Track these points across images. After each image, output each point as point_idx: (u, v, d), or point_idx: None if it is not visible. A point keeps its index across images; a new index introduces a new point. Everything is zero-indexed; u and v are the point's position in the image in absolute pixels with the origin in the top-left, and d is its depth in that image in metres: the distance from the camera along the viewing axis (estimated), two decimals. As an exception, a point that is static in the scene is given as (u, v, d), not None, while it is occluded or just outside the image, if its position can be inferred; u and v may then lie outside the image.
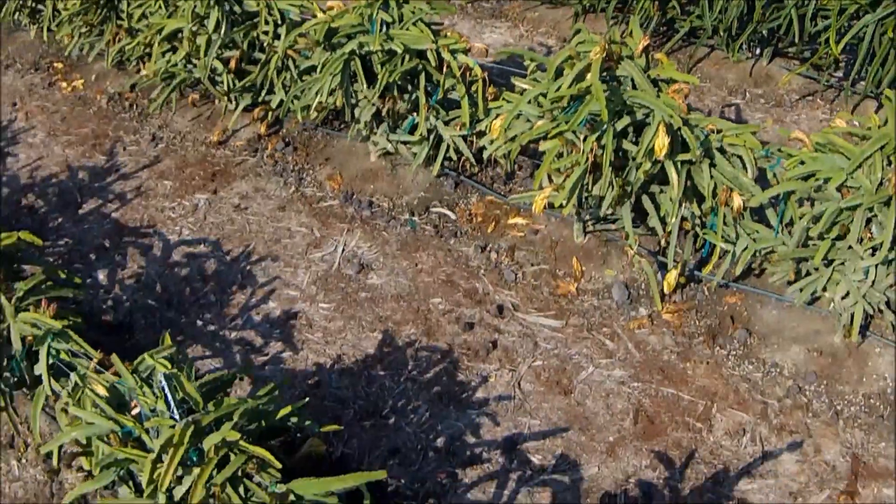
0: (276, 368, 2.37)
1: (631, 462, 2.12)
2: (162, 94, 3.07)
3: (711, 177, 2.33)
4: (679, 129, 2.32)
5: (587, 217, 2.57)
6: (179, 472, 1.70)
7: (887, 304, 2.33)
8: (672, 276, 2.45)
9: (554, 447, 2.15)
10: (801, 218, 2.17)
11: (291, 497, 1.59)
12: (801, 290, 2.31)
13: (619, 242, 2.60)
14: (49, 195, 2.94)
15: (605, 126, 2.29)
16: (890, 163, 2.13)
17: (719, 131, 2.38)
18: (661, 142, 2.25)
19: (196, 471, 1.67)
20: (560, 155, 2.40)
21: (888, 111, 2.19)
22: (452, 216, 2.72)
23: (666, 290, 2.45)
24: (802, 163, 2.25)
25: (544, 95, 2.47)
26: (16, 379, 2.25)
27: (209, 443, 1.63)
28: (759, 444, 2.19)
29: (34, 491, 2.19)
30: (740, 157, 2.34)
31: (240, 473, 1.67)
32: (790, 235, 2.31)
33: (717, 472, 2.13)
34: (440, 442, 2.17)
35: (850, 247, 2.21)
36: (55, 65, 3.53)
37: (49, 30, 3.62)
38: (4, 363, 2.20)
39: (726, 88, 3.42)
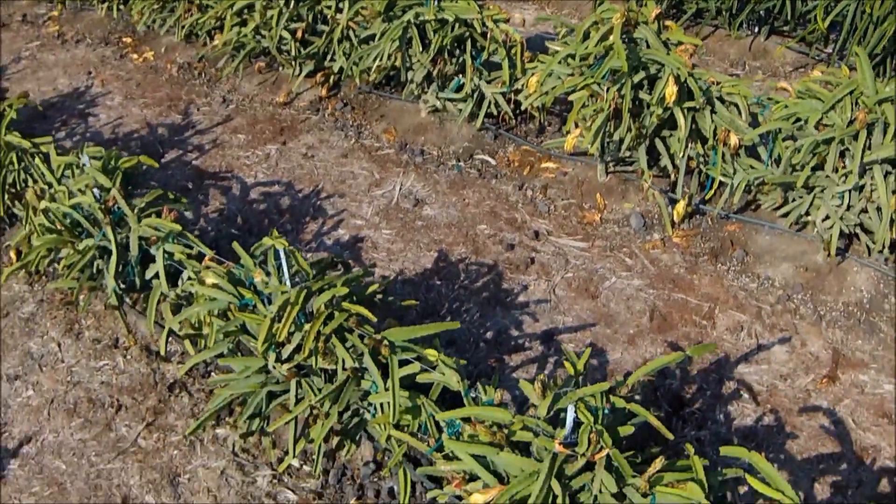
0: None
1: (648, 349, 2.62)
2: (233, 62, 3.57)
3: (712, 121, 2.85)
4: (685, 80, 2.84)
5: (609, 159, 3.08)
6: (291, 329, 2.18)
7: (861, 227, 2.84)
8: (681, 206, 2.96)
9: (584, 338, 2.65)
10: (786, 150, 2.69)
11: (385, 342, 2.06)
12: (787, 213, 2.82)
13: (635, 182, 3.11)
14: (132, 147, 3.43)
15: (625, 78, 2.81)
16: (857, 104, 2.65)
17: (719, 83, 2.91)
18: (671, 90, 2.77)
19: (307, 326, 2.14)
20: (586, 105, 2.93)
21: (857, 63, 2.70)
22: (493, 162, 3.24)
23: (675, 219, 2.96)
24: (787, 107, 2.77)
25: (573, 56, 2.99)
26: (126, 285, 2.72)
27: (318, 302, 2.11)
28: (754, 338, 2.69)
29: (139, 381, 2.66)
30: (736, 105, 2.87)
31: (343, 326, 2.14)
32: (777, 167, 2.82)
33: (719, 359, 2.62)
34: (489, 335, 2.66)
35: (827, 175, 2.72)
36: (124, 39, 4.04)
37: (118, 7, 4.13)
38: (121, 269, 2.69)
39: (728, 61, 3.95)
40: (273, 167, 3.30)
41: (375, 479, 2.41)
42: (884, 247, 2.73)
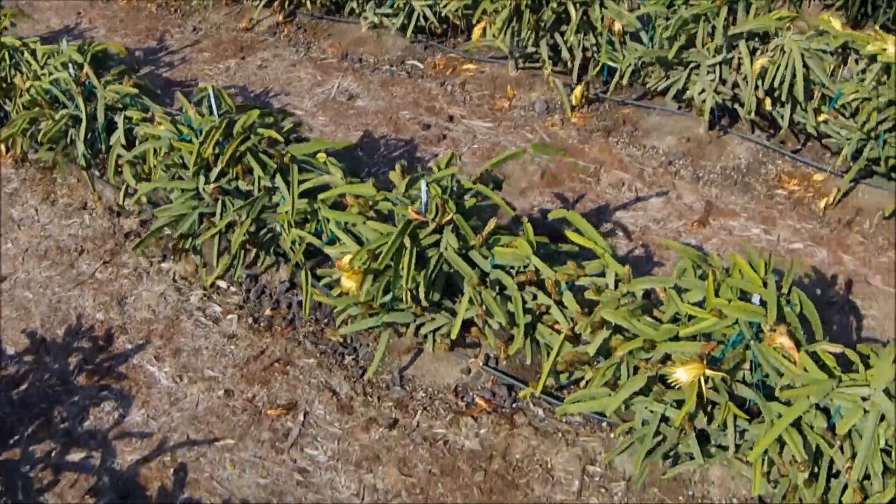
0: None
1: (536, 199, 3.04)
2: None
3: (600, 12, 3.30)
4: None
5: (517, 55, 3.55)
6: (216, 152, 2.65)
7: (737, 99, 3.22)
8: (578, 91, 3.40)
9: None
10: (664, 29, 3.12)
11: (289, 155, 2.52)
12: (668, 88, 3.23)
13: (542, 76, 3.56)
14: (111, 67, 3.99)
15: None
16: None
17: None
18: None
19: (230, 146, 2.61)
20: (492, 2, 3.40)
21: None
22: (421, 66, 3.74)
23: (574, 103, 3.40)
24: None
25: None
26: (94, 151, 3.23)
27: (237, 127, 2.58)
28: (634, 192, 3.09)
29: (100, 232, 3.15)
30: None
31: (256, 145, 2.60)
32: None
33: (600, 206, 3.03)
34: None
35: (698, 51, 3.14)
36: (113, -16, 4.70)
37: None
38: (90, 136, 3.20)
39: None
40: (232, 76, 3.84)
41: (288, 295, 2.86)
42: (751, 111, 3.13)
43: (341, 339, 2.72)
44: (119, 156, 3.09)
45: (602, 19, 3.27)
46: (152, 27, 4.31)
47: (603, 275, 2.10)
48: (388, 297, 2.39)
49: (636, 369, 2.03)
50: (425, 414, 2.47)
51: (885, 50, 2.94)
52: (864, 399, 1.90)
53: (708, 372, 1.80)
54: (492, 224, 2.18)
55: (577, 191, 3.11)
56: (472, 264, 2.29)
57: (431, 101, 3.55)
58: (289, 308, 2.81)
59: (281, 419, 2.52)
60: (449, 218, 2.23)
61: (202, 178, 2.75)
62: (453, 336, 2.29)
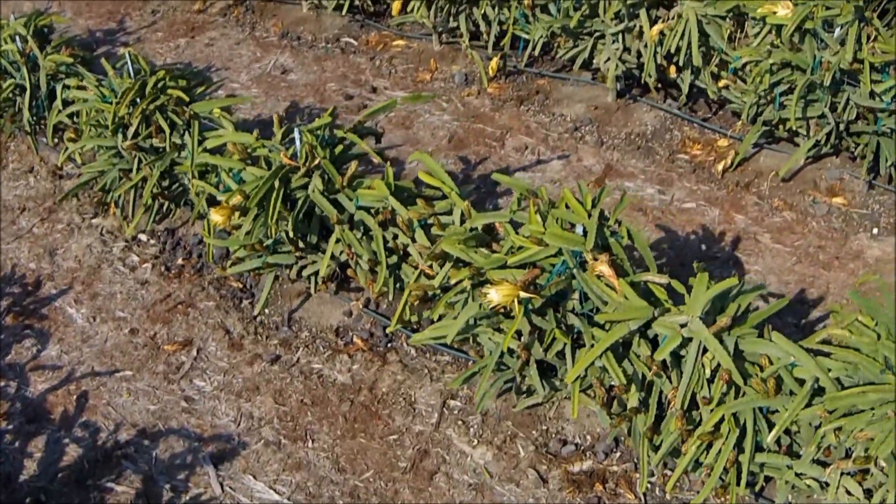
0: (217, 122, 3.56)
1: (441, 161, 3.21)
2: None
3: None
4: None
5: (440, 30, 3.72)
6: (130, 111, 2.87)
7: (642, 67, 3.32)
8: (494, 63, 3.56)
9: (390, 155, 3.26)
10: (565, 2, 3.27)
11: (192, 111, 2.73)
12: (575, 57, 3.37)
13: (464, 50, 3.71)
14: (74, 45, 4.28)
15: None
16: None
17: None
18: None
19: (140, 105, 2.84)
20: None
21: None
22: (355, 43, 3.94)
23: (490, 73, 3.55)
24: None
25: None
26: (38, 118, 3.49)
27: (150, 85, 2.81)
28: (536, 155, 3.24)
29: (42, 192, 3.41)
30: None
31: (165, 104, 2.83)
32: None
33: (500, 169, 3.19)
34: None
35: (602, 21, 3.27)
36: (84, -29, 5.01)
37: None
38: (34, 103, 3.47)
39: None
40: (180, 54, 4.09)
41: (200, 247, 3.08)
42: (651, 77, 3.25)
43: (241, 285, 2.92)
44: (59, 121, 3.36)
45: (514, -8, 3.44)
46: (115, 10, 4.59)
47: (451, 213, 2.27)
48: (270, 241, 2.58)
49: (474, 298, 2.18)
50: (305, 351, 2.65)
51: (774, 12, 3.06)
52: (682, 326, 2.03)
53: (522, 294, 1.95)
54: (353, 167, 2.35)
55: (481, 154, 3.27)
56: (342, 207, 2.47)
57: (359, 75, 3.74)
58: (199, 258, 3.02)
59: (176, 354, 2.72)
60: (317, 162, 2.41)
61: (120, 136, 2.98)
62: (322, 273, 2.47)
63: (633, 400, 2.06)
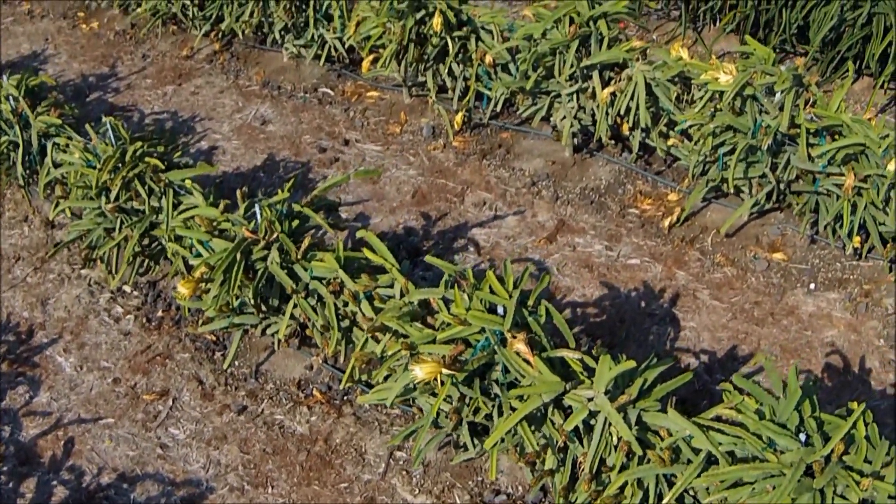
0: (198, 175, 3.85)
1: (404, 217, 3.50)
2: (150, 23, 4.75)
3: (476, 45, 3.73)
4: (457, 14, 3.72)
5: (410, 84, 4.01)
6: (112, 176, 3.20)
7: (596, 124, 3.58)
8: (458, 117, 3.84)
9: (357, 209, 3.57)
10: (523, 62, 3.53)
11: (167, 179, 3.05)
12: (534, 114, 3.64)
13: (430, 105, 3.99)
14: (67, 91, 4.63)
15: (407, 15, 3.75)
16: (573, 21, 3.45)
17: (481, 17, 3.79)
18: (437, 20, 3.68)
19: (121, 172, 3.16)
20: (380, 38, 3.84)
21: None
22: (332, 93, 4.24)
23: (455, 127, 3.83)
24: (524, 28, 3.62)
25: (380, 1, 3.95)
26: (31, 171, 3.84)
27: (129, 153, 3.13)
28: (494, 211, 3.53)
29: (36, 242, 3.76)
30: (491, 31, 3.73)
31: (143, 172, 3.15)
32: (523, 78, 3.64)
33: (458, 225, 3.48)
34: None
35: (558, 81, 3.54)
36: (78, 14, 5.33)
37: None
38: (27, 158, 3.82)
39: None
40: (167, 102, 4.41)
41: (178, 300, 3.39)
42: (601, 136, 3.51)
43: (215, 338, 3.24)
44: (51, 175, 3.70)
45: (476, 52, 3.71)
46: (107, 54, 4.92)
47: (392, 286, 2.56)
48: (237, 302, 2.89)
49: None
50: (270, 402, 2.96)
51: (717, 79, 3.31)
52: (589, 400, 2.31)
53: (445, 371, 2.24)
54: (306, 241, 2.66)
55: (442, 210, 3.56)
56: (298, 277, 2.77)
57: (333, 127, 4.04)
58: (177, 310, 3.35)
59: (154, 403, 3.05)
60: (275, 236, 2.72)
61: (104, 199, 3.31)
62: (280, 336, 2.79)
63: (549, 462, 2.34)
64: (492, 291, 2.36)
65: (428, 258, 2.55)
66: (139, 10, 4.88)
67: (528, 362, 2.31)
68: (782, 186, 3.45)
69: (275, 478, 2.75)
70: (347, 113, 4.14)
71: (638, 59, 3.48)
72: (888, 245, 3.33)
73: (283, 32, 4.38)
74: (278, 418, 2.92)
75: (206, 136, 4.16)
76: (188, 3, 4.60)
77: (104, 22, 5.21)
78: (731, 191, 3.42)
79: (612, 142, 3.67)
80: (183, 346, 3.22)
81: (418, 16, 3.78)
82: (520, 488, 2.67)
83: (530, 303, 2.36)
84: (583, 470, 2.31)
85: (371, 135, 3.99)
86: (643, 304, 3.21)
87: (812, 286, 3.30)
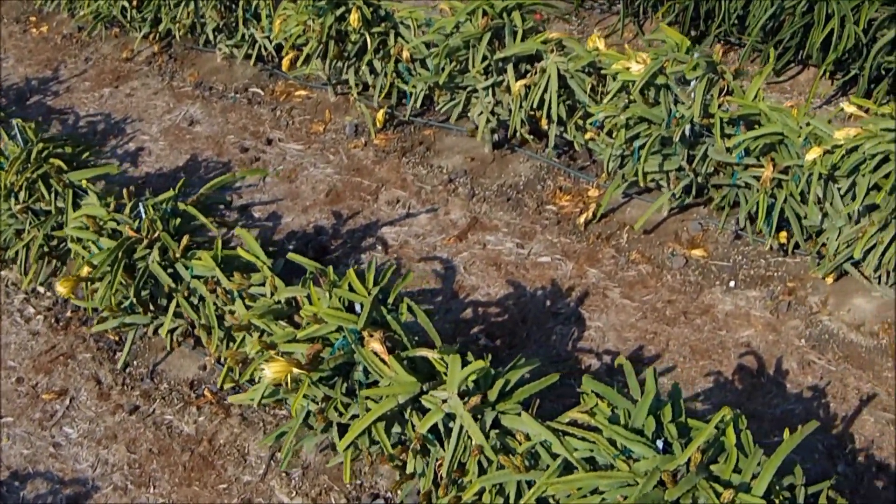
0: (122, 176, 3.96)
1: (316, 216, 3.54)
2: (92, 26, 4.87)
3: (395, 41, 3.75)
4: (375, 10, 3.76)
5: (335, 81, 4.05)
6: (17, 177, 3.29)
7: (522, 121, 3.56)
8: (380, 114, 3.86)
9: (271, 209, 3.61)
10: (435, 56, 3.54)
11: (67, 179, 3.13)
12: (451, 110, 3.64)
13: (352, 102, 4.03)
14: (10, 95, 4.78)
15: (326, 11, 3.79)
16: (485, 14, 3.45)
17: (400, 12, 3.81)
18: (354, 16, 3.71)
19: (25, 173, 3.25)
20: (300, 36, 3.88)
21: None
22: (261, 93, 4.30)
23: (378, 125, 3.85)
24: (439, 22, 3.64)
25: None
26: None
27: (33, 154, 3.22)
28: (407, 209, 3.54)
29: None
30: (409, 26, 3.75)
31: (48, 172, 3.23)
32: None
33: (370, 223, 3.50)
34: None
35: (473, 76, 3.54)
36: (31, 18, 5.51)
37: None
38: None
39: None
40: (103, 104, 4.52)
41: (87, 300, 3.48)
42: (517, 130, 3.50)
43: (117, 338, 3.30)
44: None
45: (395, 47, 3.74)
46: (53, 58, 5.07)
47: (264, 284, 2.59)
48: (128, 302, 2.96)
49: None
50: (161, 402, 3.01)
51: (628, 68, 3.28)
52: (444, 402, 2.31)
53: (296, 371, 2.26)
54: (185, 240, 2.70)
55: (354, 208, 3.59)
56: (180, 276, 2.82)
57: (258, 126, 4.11)
58: (84, 311, 3.43)
59: (52, 402, 3.12)
60: (157, 235, 2.77)
61: (13, 200, 3.41)
62: (162, 333, 2.84)
63: (411, 465, 2.35)
64: (351, 289, 2.38)
65: (290, 255, 2.58)
66: (82, 13, 5.03)
67: (384, 362, 2.33)
68: (700, 180, 3.41)
69: (157, 478, 2.80)
70: (274, 112, 4.20)
71: (553, 51, 3.48)
72: (813, 240, 3.29)
73: (215, 33, 4.47)
74: (168, 418, 2.97)
75: (134, 137, 4.25)
76: (127, 5, 4.72)
77: (53, 26, 5.36)
78: (643, 184, 3.36)
79: (533, 137, 3.67)
80: (87, 346, 3.29)
81: (338, 12, 3.82)
82: (399, 492, 2.68)
83: (391, 300, 2.38)
84: (441, 475, 2.31)
85: (295, 134, 4.05)
86: (549, 303, 3.20)
87: (732, 284, 3.25)
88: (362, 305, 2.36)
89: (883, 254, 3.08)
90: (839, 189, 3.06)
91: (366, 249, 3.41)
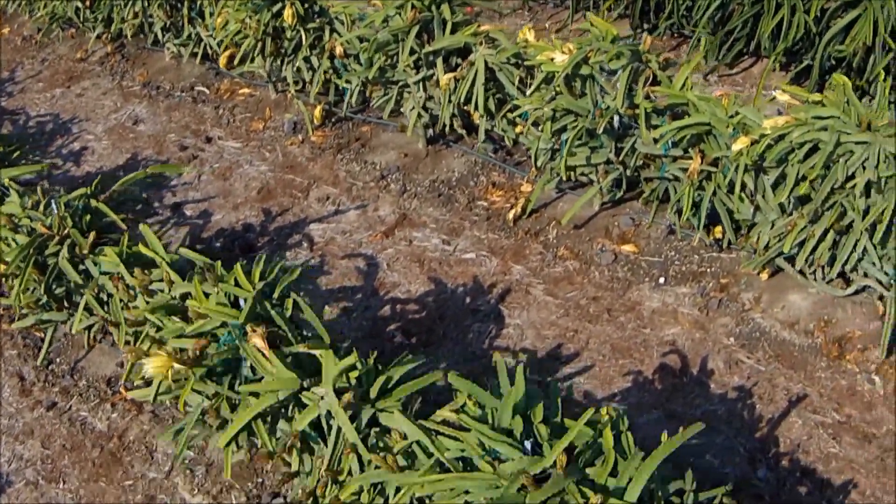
0: (64, 175, 4.04)
1: (245, 213, 3.58)
2: (47, 27, 4.97)
3: (330, 36, 3.77)
4: (310, 6, 3.78)
5: (274, 79, 4.09)
6: None
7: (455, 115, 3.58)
8: (318, 111, 3.89)
9: (203, 206, 3.66)
10: (364, 51, 3.56)
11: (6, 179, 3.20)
12: (385, 105, 3.65)
13: (289, 99, 4.07)
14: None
15: (263, 8, 3.83)
16: (414, 7, 3.46)
17: (334, 8, 3.83)
18: (288, 12, 3.75)
19: None
20: (239, 33, 3.93)
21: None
22: (207, 91, 4.36)
23: (316, 122, 3.88)
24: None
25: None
26: None
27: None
28: (336, 206, 3.56)
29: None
30: (344, 22, 3.77)
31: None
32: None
33: (298, 220, 3.53)
34: (138, 207, 3.72)
35: (403, 70, 3.55)
36: (-6, 20, 5.66)
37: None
38: None
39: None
40: (53, 104, 4.61)
41: (18, 298, 3.54)
42: (445, 126, 3.50)
43: (43, 335, 3.37)
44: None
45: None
46: (11, 59, 5.18)
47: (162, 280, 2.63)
48: (45, 298, 3.01)
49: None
50: (79, 399, 3.06)
51: (552, 59, 3.26)
52: (322, 398, 2.32)
53: (176, 366, 2.29)
54: (92, 236, 2.75)
55: (284, 205, 3.62)
56: (90, 273, 2.87)
57: (200, 125, 4.16)
58: (12, 308, 3.50)
59: (-26, 401, 3.20)
60: (66, 232, 2.82)
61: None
62: (75, 329, 2.89)
63: (295, 463, 2.37)
64: (237, 284, 2.41)
65: (182, 250, 2.61)
66: (39, 14, 5.13)
67: (267, 357, 2.35)
68: (630, 173, 3.38)
69: (68, 473, 2.85)
70: (217, 111, 4.25)
71: (482, 44, 3.48)
72: (745, 235, 3.25)
73: (163, 32, 4.54)
74: (83, 415, 3.02)
75: (80, 136, 4.33)
76: (80, 5, 4.81)
77: (14, 28, 5.47)
78: (566, 178, 3.32)
79: (467, 132, 3.68)
80: (14, 342, 3.35)
81: (274, 9, 3.86)
82: (300, 492, 2.70)
83: (276, 295, 2.40)
84: (320, 473, 2.32)
85: (235, 132, 4.09)
86: (469, 300, 3.19)
87: (661, 280, 3.22)
88: (245, 300, 2.39)
89: (815, 248, 3.05)
90: (769, 181, 3.04)
91: (291, 247, 3.44)
